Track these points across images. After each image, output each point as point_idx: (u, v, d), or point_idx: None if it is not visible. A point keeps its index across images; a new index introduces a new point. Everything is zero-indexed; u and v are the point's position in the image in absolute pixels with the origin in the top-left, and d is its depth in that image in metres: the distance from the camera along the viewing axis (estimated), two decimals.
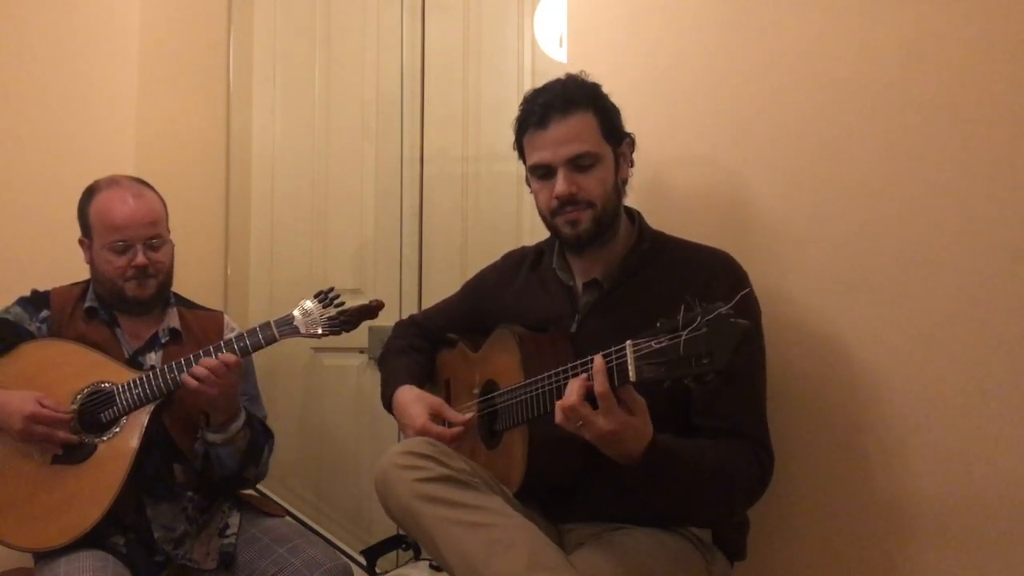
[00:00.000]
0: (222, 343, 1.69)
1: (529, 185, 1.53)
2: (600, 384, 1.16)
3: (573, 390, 1.18)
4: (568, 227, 1.45)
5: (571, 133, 1.42)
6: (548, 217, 1.49)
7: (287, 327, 1.69)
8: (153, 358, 1.82)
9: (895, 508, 1.48)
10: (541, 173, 1.46)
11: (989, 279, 1.39)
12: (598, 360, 1.17)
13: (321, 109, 2.62)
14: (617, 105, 1.50)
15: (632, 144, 1.52)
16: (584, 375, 1.19)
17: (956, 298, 1.42)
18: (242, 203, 2.67)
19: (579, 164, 1.42)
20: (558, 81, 1.48)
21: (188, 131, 2.51)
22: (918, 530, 1.46)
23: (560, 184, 1.42)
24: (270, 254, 2.66)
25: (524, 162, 1.51)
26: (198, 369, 1.64)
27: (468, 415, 1.51)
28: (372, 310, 1.75)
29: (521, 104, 1.49)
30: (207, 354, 1.67)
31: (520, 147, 1.51)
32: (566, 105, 1.42)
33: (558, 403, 1.20)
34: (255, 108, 2.68)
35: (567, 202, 1.43)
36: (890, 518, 1.49)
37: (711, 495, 1.32)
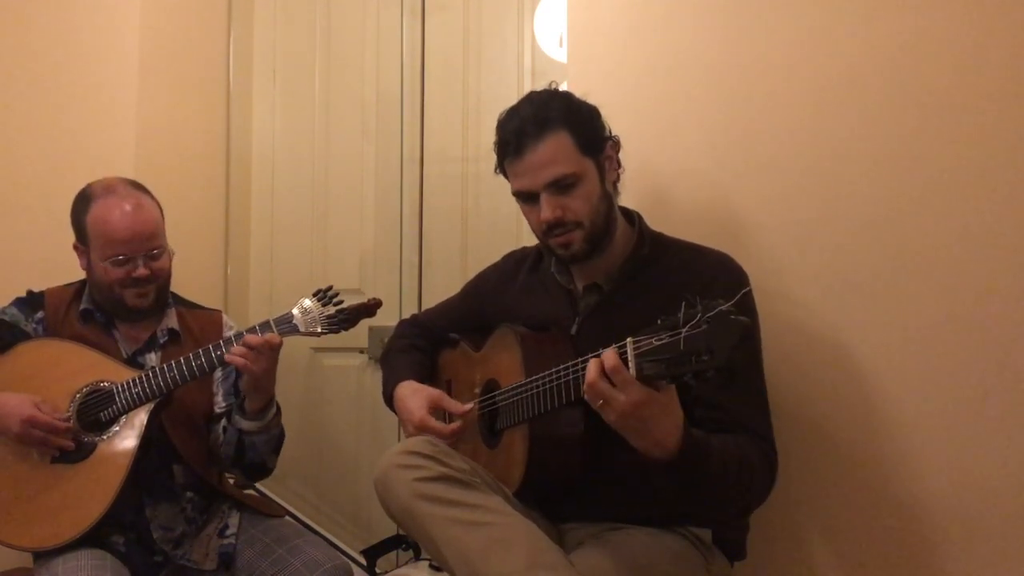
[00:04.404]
0: (222, 341, 1.69)
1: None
2: (610, 358, 1.13)
3: (592, 368, 1.15)
4: (561, 249, 1.45)
5: (547, 157, 1.40)
6: (541, 238, 1.49)
7: (286, 325, 1.69)
8: (152, 359, 1.81)
9: (895, 508, 1.48)
10: (524, 198, 1.46)
11: (989, 279, 1.39)
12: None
13: (321, 109, 2.62)
14: (605, 104, 1.48)
15: (616, 145, 1.49)
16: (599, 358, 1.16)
17: (956, 298, 1.42)
18: (242, 203, 2.67)
19: (560, 186, 1.40)
20: (527, 101, 1.46)
21: (188, 131, 2.51)
22: (918, 530, 1.46)
23: (545, 210, 1.41)
24: (270, 254, 2.66)
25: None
26: (249, 338, 1.64)
27: (468, 405, 1.51)
28: (371, 308, 1.74)
29: (496, 128, 1.47)
30: (206, 353, 1.67)
31: (503, 171, 1.50)
32: (537, 129, 1.40)
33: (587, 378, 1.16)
34: (255, 108, 2.68)
35: (555, 225, 1.42)
36: (890, 518, 1.49)
37: (735, 489, 1.29)
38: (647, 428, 1.14)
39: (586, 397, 1.17)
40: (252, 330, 1.68)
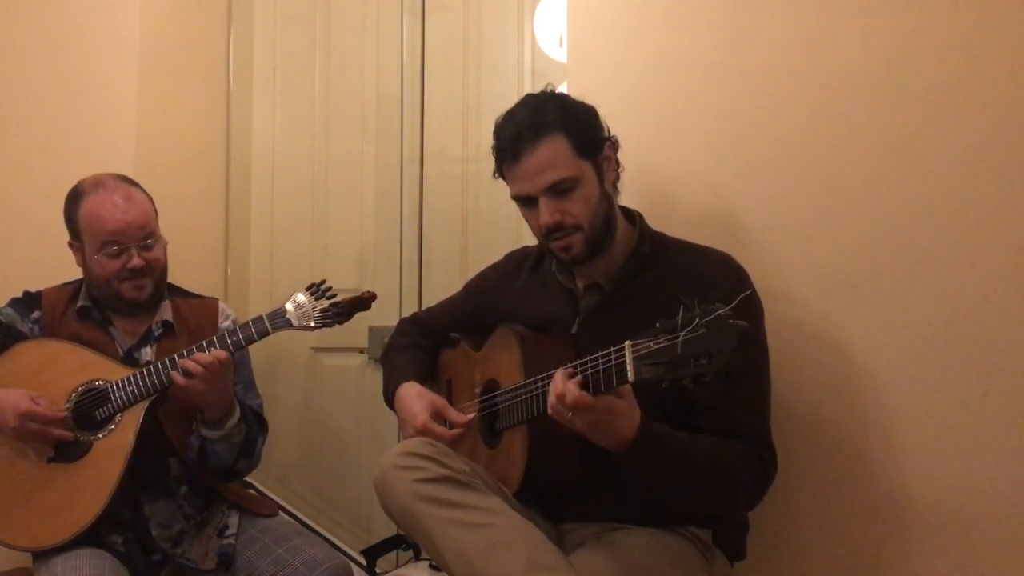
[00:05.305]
0: (215, 338, 1.69)
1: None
2: (571, 394, 1.17)
3: (553, 394, 1.21)
4: (562, 252, 1.46)
5: (544, 162, 1.40)
6: (541, 241, 1.50)
7: (280, 320, 1.69)
8: (147, 353, 1.81)
9: (895, 508, 1.48)
10: (523, 203, 1.46)
11: (990, 279, 1.39)
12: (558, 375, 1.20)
13: (321, 109, 2.62)
14: (605, 104, 1.48)
15: (614, 145, 1.49)
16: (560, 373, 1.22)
17: (957, 298, 1.42)
18: (242, 203, 2.67)
19: (559, 190, 1.41)
20: (522, 105, 1.46)
21: (188, 131, 2.51)
22: (918, 530, 1.46)
23: (544, 215, 1.41)
24: (270, 253, 2.66)
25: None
26: (188, 363, 1.64)
27: (469, 416, 1.51)
28: (365, 301, 1.74)
29: (493, 134, 1.48)
30: (200, 350, 1.67)
31: (502, 176, 1.50)
32: (534, 134, 1.40)
33: (549, 400, 1.22)
34: (255, 108, 2.67)
35: (555, 229, 1.42)
36: (890, 518, 1.49)
37: (706, 490, 1.32)
38: (610, 431, 1.21)
39: (551, 414, 1.22)
40: (221, 337, 1.69)
